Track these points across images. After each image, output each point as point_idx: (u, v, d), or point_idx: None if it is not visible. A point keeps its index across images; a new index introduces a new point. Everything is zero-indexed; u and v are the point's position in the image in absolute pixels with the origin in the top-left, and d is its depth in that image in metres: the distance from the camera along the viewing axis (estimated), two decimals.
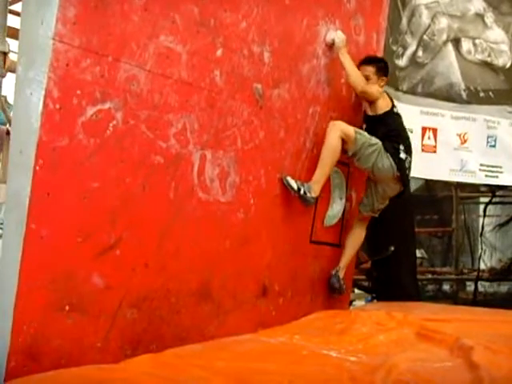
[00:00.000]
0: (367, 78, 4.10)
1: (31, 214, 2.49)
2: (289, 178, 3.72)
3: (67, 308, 2.62)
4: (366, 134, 4.03)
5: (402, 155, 4.03)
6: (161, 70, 2.97)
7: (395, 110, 4.22)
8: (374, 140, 3.99)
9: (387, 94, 4.26)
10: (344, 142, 3.91)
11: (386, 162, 3.98)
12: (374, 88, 4.09)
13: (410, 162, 4.13)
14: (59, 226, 2.60)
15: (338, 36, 3.99)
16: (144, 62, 2.90)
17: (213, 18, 3.22)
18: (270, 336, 3.13)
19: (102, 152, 2.73)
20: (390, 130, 4.07)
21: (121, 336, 2.82)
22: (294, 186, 3.71)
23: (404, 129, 4.23)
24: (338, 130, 3.90)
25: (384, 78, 4.19)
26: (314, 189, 3.79)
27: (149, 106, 2.93)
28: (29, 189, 2.49)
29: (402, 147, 4.05)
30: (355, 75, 4.03)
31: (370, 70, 4.15)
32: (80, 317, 2.66)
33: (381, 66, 4.21)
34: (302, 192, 3.71)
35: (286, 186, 3.72)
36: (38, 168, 2.50)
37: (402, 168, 4.05)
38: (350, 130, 3.94)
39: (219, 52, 3.27)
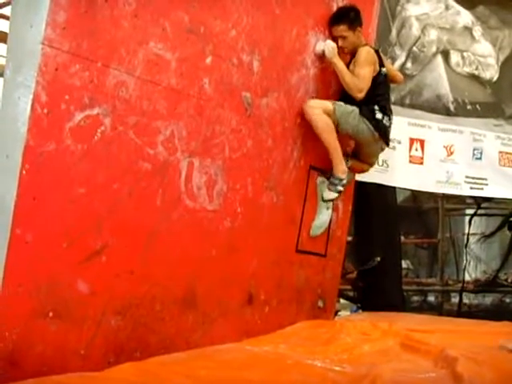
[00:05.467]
0: (343, 37, 4.04)
1: (16, 219, 2.48)
2: (324, 195, 4.03)
3: (51, 314, 2.60)
4: (341, 103, 4.02)
5: (378, 115, 4.04)
6: (150, 76, 2.97)
7: (382, 71, 4.16)
8: (350, 107, 3.99)
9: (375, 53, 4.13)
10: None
11: (364, 126, 4.01)
12: (367, 78, 3.98)
13: (390, 120, 4.14)
14: (44, 231, 2.59)
15: (327, 45, 3.97)
16: (133, 68, 2.89)
17: (203, 25, 3.22)
18: (255, 345, 3.13)
19: (89, 157, 2.72)
20: (375, 95, 4.05)
21: (104, 343, 2.80)
22: (335, 194, 4.03)
23: (385, 91, 4.21)
24: (315, 107, 3.91)
25: (359, 28, 4.09)
26: (340, 170, 3.96)
27: (137, 113, 2.92)
28: (14, 193, 2.47)
29: (376, 107, 4.04)
30: (351, 83, 3.96)
31: (342, 28, 4.05)
32: (64, 323, 2.64)
33: (351, 17, 4.08)
34: (341, 187, 4.00)
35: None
36: (24, 172, 2.49)
37: (380, 128, 4.07)
38: (327, 103, 3.95)
39: (208, 60, 3.27)
